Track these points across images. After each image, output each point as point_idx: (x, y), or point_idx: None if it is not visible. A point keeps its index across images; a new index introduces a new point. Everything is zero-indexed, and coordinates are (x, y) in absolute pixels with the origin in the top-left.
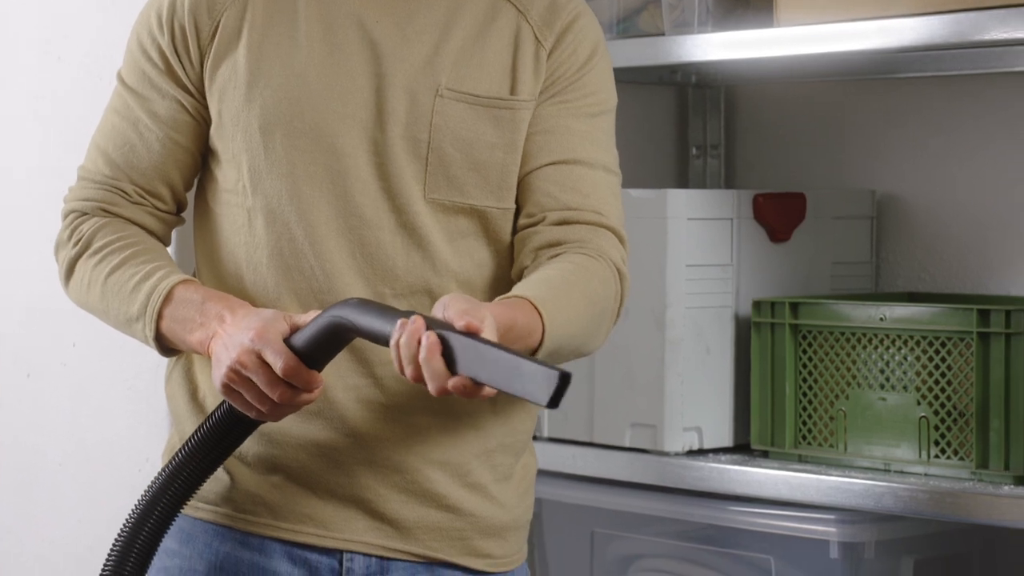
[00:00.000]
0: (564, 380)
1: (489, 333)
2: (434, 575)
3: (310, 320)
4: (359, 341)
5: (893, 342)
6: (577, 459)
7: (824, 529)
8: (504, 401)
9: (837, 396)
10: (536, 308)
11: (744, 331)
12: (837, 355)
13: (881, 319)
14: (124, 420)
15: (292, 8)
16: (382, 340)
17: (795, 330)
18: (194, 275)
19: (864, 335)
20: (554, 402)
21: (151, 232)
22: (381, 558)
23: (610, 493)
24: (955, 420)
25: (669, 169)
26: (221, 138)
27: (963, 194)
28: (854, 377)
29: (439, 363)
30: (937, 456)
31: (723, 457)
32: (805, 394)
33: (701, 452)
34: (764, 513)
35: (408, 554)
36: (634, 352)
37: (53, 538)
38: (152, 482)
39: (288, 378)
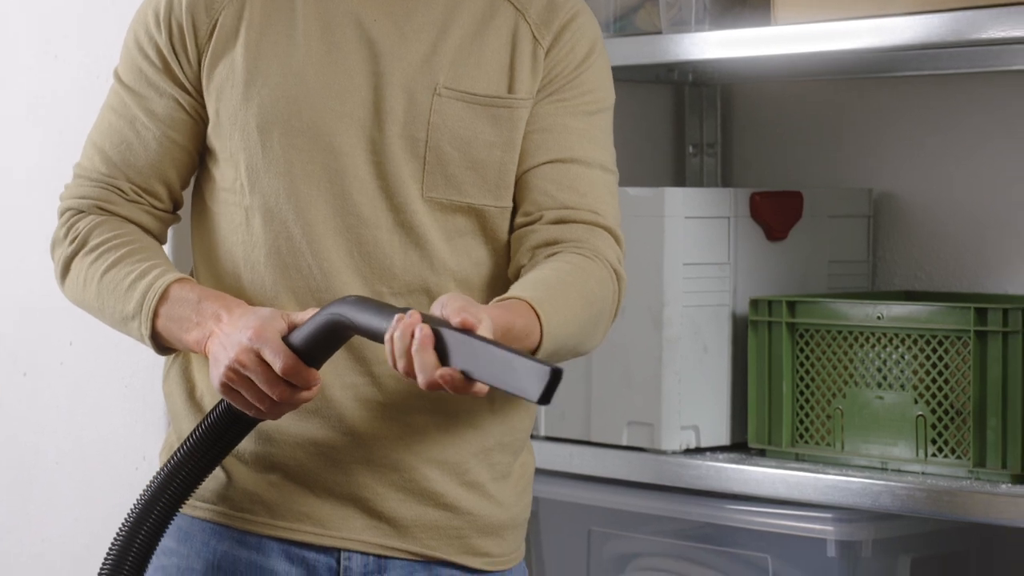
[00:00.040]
0: (555, 376)
1: (485, 331)
2: (432, 574)
3: (308, 318)
4: (357, 340)
5: (890, 341)
6: (574, 458)
7: (821, 528)
8: (502, 400)
9: (834, 395)
10: (534, 310)
11: (741, 330)
12: (834, 354)
13: (878, 318)
14: (121, 418)
15: (290, 7)
16: (380, 337)
17: (792, 329)
18: (191, 274)
19: (861, 334)
20: (545, 398)
21: (147, 230)
22: (379, 557)
23: (607, 492)
24: (952, 419)
25: (666, 168)
26: (219, 137)
27: (960, 193)
28: (851, 376)
29: (431, 356)
30: (934, 455)
31: (720, 456)
32: (802, 393)
33: (698, 451)
34: (761, 512)
35: (406, 553)
36: (631, 351)
37: (50, 536)
38: (151, 481)
39: (287, 377)
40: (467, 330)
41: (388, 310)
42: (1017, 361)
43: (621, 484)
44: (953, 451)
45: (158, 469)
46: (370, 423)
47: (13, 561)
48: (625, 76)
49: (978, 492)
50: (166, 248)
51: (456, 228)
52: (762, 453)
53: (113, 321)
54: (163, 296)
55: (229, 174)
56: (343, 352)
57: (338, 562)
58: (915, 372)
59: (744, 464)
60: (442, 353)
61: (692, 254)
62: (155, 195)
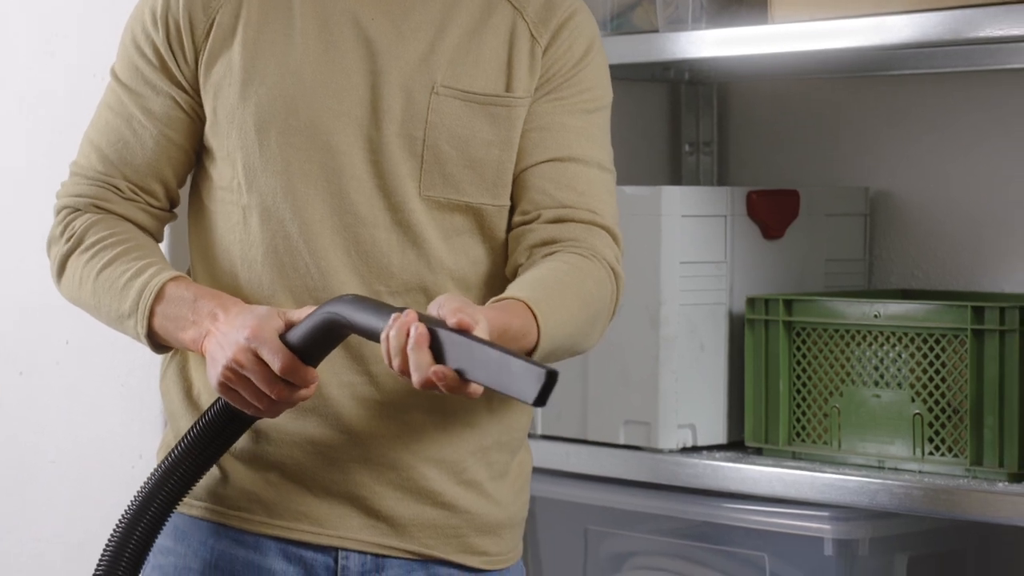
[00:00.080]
0: (551, 378)
1: (481, 332)
2: (429, 572)
3: (304, 316)
4: (354, 338)
5: (887, 339)
6: (571, 456)
7: (818, 526)
8: (500, 399)
9: (831, 393)
10: (531, 310)
11: (738, 328)
12: (831, 352)
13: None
14: (117, 417)
15: (287, 5)
16: (376, 336)
17: (789, 327)
18: (188, 272)
19: (858, 332)
20: (540, 400)
21: (143, 228)
22: (376, 555)
23: (604, 490)
24: (949, 417)
25: (662, 166)
26: (216, 135)
27: (957, 191)
28: (848, 374)
29: (425, 354)
30: (931, 453)
31: (717, 454)
32: (799, 391)
33: (695, 449)
34: (758, 510)
35: (403, 551)
36: (628, 349)
37: (47, 535)
38: (147, 479)
39: (286, 376)
40: (463, 331)
41: (385, 309)
42: (1014, 359)
43: (618, 483)
44: (950, 449)
45: (155, 467)
46: (367, 422)
47: (12, 560)
48: (621, 74)
49: (975, 490)
50: (163, 247)
51: (454, 227)
52: (759, 452)
53: (109, 319)
54: (159, 294)
55: (226, 173)
56: (340, 351)
57: (336, 561)
58: (912, 371)
59: (741, 463)
60: (437, 352)
61: (689, 253)
62: (152, 193)
